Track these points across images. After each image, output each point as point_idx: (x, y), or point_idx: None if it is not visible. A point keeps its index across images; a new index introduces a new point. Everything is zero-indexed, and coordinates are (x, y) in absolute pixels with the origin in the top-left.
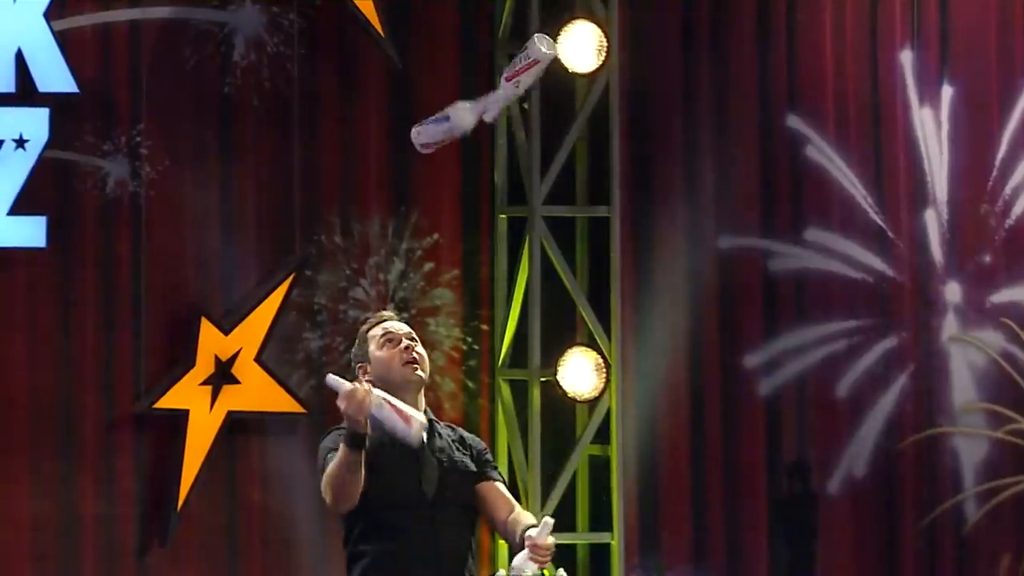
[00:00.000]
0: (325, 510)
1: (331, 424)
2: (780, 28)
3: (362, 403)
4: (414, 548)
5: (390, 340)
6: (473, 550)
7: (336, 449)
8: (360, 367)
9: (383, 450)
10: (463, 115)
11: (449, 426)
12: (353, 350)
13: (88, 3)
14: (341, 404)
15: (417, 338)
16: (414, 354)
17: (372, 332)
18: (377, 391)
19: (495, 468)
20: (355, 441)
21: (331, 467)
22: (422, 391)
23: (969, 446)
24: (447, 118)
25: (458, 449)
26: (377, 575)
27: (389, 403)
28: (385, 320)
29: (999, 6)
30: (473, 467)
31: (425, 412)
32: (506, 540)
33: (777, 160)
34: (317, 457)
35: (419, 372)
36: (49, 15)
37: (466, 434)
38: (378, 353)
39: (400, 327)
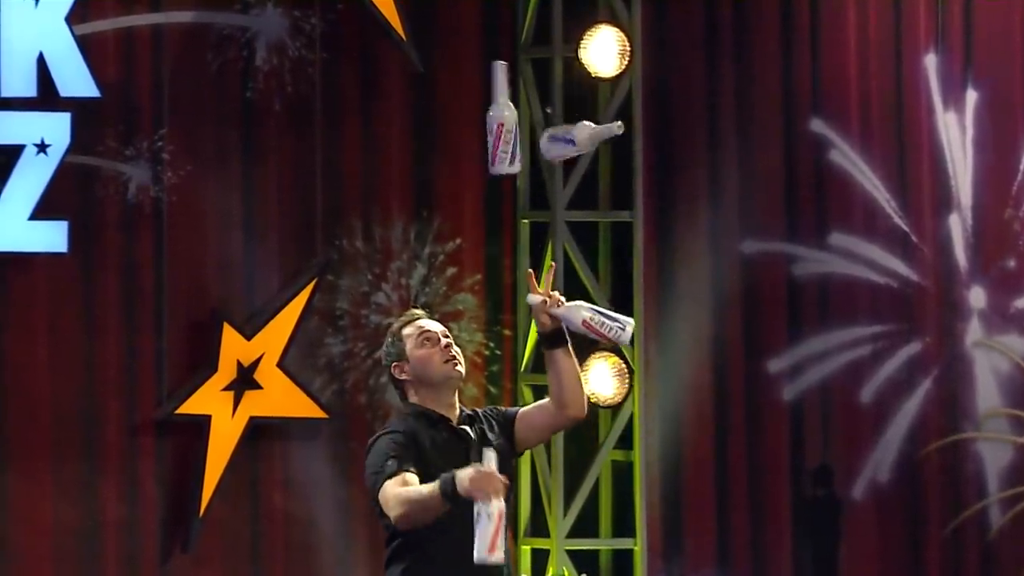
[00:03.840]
0: (347, 515)
1: (352, 430)
2: (803, 32)
3: (496, 489)
4: (463, 544)
5: (428, 339)
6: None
7: (396, 457)
8: (396, 366)
9: (433, 449)
10: (583, 131)
11: (473, 411)
12: (385, 349)
13: (110, 7)
14: (473, 484)
15: (451, 335)
16: (453, 352)
17: (407, 331)
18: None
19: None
20: (453, 499)
21: (416, 498)
22: (458, 388)
23: (993, 452)
24: (571, 141)
25: (491, 431)
26: (426, 566)
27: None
28: (418, 318)
29: None
30: (507, 442)
31: (462, 411)
32: (563, 408)
33: (801, 164)
34: (371, 457)
35: (459, 368)
36: (71, 19)
37: (482, 412)
38: (417, 352)
39: (435, 325)
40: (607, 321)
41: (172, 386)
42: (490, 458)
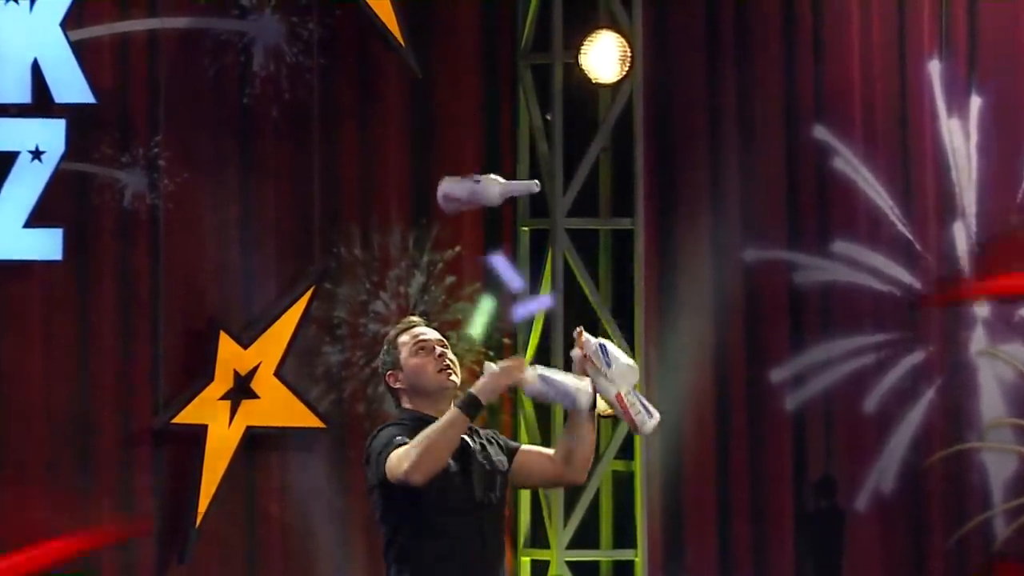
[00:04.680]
0: (345, 525)
1: (350, 439)
2: (806, 38)
3: (520, 375)
4: (463, 551)
5: (423, 347)
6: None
7: (405, 436)
8: (390, 374)
9: None
10: (492, 186)
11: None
12: (381, 357)
13: (106, 13)
14: (497, 375)
15: (448, 344)
16: (447, 361)
17: (402, 338)
18: (539, 370)
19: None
20: (475, 410)
21: (430, 432)
22: (453, 398)
23: (998, 462)
24: (477, 182)
25: (490, 446)
26: (425, 572)
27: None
28: (414, 326)
29: None
30: (507, 461)
31: None
32: (568, 468)
33: (803, 171)
34: (375, 444)
35: (453, 378)
36: (66, 25)
37: (482, 431)
38: (412, 360)
39: (432, 334)
40: (638, 404)
41: (168, 395)
42: (489, 367)
